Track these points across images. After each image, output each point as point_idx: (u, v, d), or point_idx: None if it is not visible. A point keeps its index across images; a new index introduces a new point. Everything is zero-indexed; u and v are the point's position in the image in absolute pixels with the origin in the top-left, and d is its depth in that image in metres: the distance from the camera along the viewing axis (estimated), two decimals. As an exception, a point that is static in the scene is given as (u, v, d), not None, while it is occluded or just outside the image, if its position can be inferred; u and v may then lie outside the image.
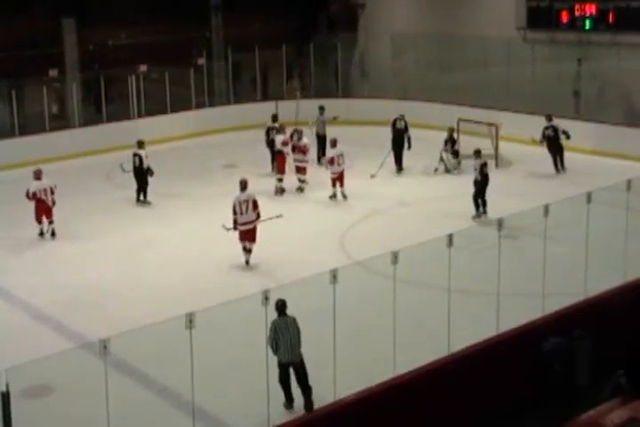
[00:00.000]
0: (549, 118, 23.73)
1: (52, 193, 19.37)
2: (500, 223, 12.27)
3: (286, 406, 11.63)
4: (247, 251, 17.14)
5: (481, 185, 19.70)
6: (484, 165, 19.68)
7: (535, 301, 12.98)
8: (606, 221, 15.49)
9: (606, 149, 24.88)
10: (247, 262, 17.14)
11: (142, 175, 21.29)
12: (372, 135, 26.08)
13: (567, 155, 24.15)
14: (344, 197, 21.45)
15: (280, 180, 22.26)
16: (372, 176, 23.16)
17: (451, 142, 23.92)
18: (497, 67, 28.75)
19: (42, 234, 19.34)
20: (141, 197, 21.54)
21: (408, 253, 11.58)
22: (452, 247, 11.74)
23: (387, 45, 31.58)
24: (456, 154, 23.90)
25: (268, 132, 23.92)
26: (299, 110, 25.96)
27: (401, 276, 11.32)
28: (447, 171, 23.85)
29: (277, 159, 22.50)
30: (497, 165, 24.22)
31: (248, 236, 17.09)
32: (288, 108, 28.05)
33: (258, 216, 17.21)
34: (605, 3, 26.99)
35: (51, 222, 19.31)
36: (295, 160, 22.34)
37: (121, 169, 21.64)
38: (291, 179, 22.47)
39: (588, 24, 27.38)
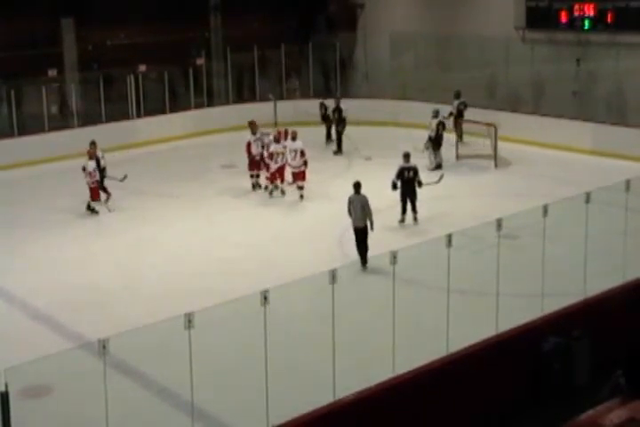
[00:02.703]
0: (457, 96, 25.75)
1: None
2: (499, 224, 12.27)
3: (362, 267, 16.21)
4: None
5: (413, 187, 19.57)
6: (440, 125, 19.87)
7: (534, 301, 12.99)
8: (605, 221, 15.49)
9: (605, 149, 24.86)
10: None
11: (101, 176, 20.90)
12: (372, 135, 26.08)
13: (566, 155, 24.25)
14: (301, 197, 21.59)
15: (257, 176, 22.29)
16: (368, 158, 23.50)
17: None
18: (496, 67, 28.75)
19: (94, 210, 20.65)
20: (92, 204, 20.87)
21: (407, 252, 11.58)
22: (452, 247, 11.75)
23: (386, 45, 31.57)
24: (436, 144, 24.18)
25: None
26: (277, 112, 25.95)
27: (400, 276, 11.33)
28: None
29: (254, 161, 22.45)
30: (496, 166, 24.25)
31: None
32: (287, 109, 28.17)
33: None
34: (604, 3, 26.99)
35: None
36: (291, 166, 21.86)
37: (119, 180, 21.29)
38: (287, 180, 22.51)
39: (586, 24, 27.37)
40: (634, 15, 26.36)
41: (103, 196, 20.92)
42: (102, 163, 21.09)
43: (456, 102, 26.63)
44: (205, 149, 27.35)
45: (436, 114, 24.47)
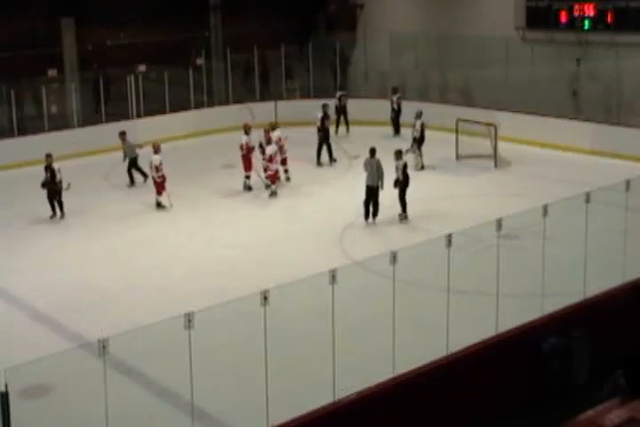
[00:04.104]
0: (395, 91, 26.76)
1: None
2: (499, 224, 12.28)
3: (365, 221, 19.12)
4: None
5: (403, 186, 19.63)
6: (405, 166, 19.69)
7: (534, 301, 12.99)
8: (605, 221, 15.49)
9: (605, 149, 24.88)
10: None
11: (55, 189, 20.34)
12: (371, 135, 26.06)
13: (566, 154, 24.25)
14: (287, 179, 22.48)
15: (246, 177, 22.33)
16: (356, 157, 23.63)
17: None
18: (496, 67, 28.74)
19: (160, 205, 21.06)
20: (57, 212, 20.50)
21: (407, 253, 11.58)
22: (451, 247, 11.75)
23: (385, 45, 31.57)
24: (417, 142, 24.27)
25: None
26: (254, 114, 25.92)
27: (400, 276, 11.33)
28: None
29: (244, 158, 22.44)
30: (496, 166, 24.25)
31: None
32: (287, 108, 28.18)
33: None
34: (604, 3, 27.02)
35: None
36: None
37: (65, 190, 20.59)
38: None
39: (586, 24, 27.43)
40: (633, 15, 26.41)
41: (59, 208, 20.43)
42: (58, 176, 20.28)
43: (395, 97, 27.85)
44: (205, 148, 27.35)
45: (419, 115, 24.49)
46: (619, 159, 24.08)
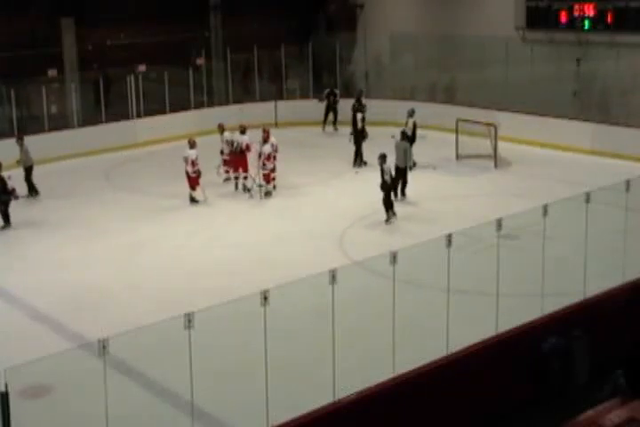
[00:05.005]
0: (411, 114, 24.46)
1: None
2: (499, 223, 12.28)
3: (395, 198, 20.14)
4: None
5: (389, 189, 19.61)
6: (391, 170, 19.73)
7: (534, 301, 12.99)
8: (605, 221, 15.49)
9: (605, 149, 24.89)
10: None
11: (4, 199, 19.71)
12: (370, 135, 26.04)
13: (566, 154, 24.29)
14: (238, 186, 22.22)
15: (245, 178, 22.29)
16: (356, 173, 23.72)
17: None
18: (496, 67, 28.75)
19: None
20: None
21: (407, 253, 11.58)
22: (452, 247, 11.75)
23: (385, 45, 31.60)
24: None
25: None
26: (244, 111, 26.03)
27: (400, 276, 11.32)
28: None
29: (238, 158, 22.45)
30: (496, 166, 24.26)
31: None
32: (286, 109, 28.16)
33: None
34: (604, 3, 27.01)
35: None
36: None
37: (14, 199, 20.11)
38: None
39: (586, 24, 27.41)
40: (633, 15, 26.39)
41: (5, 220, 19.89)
42: (9, 184, 19.62)
43: (410, 121, 25.57)
44: (205, 148, 27.30)
45: (411, 113, 24.40)
46: (619, 159, 24.09)
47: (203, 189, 21.42)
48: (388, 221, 19.42)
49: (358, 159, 24.39)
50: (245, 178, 22.23)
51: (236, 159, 22.37)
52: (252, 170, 22.06)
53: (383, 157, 19.58)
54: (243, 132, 22.48)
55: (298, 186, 22.76)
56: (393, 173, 19.91)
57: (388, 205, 19.50)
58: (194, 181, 21.37)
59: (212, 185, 22.75)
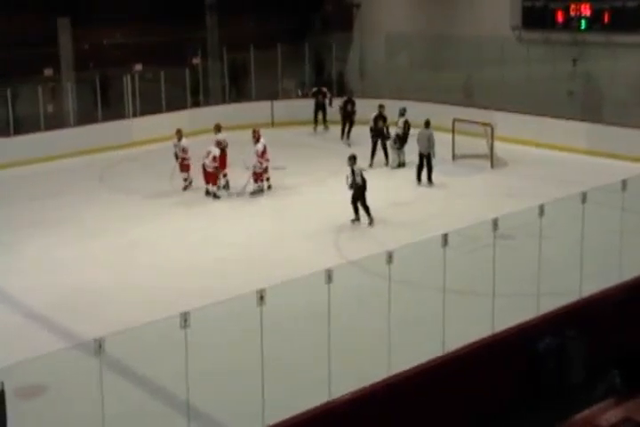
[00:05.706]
0: (402, 113, 24.54)
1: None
2: (494, 223, 12.29)
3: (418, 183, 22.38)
4: None
5: (362, 191, 19.39)
6: (362, 171, 19.56)
7: (530, 300, 13.00)
8: (601, 221, 15.49)
9: (601, 150, 24.90)
10: None
11: None
12: (365, 135, 26.08)
13: (562, 154, 24.31)
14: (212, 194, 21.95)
15: (224, 175, 22.36)
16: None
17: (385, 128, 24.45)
18: (492, 67, 28.76)
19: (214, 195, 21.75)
20: None
21: (403, 252, 11.59)
22: (447, 247, 11.75)
23: (381, 45, 31.57)
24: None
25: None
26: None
27: (395, 276, 11.33)
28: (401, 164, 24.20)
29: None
30: (492, 166, 24.28)
31: None
32: (282, 108, 28.15)
33: None
34: (600, 3, 27.02)
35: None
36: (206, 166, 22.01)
37: None
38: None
39: (583, 24, 27.43)
40: (630, 15, 26.41)
41: None
42: None
43: (401, 120, 25.38)
44: (201, 148, 27.27)
45: (402, 112, 24.46)
46: (615, 159, 24.10)
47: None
48: (371, 223, 19.38)
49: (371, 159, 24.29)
50: (224, 176, 22.27)
51: (222, 158, 22.35)
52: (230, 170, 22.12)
53: (353, 159, 19.43)
54: (219, 130, 22.56)
55: (293, 186, 22.76)
56: (364, 175, 19.51)
57: (365, 207, 19.37)
58: (212, 178, 21.50)
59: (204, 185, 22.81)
